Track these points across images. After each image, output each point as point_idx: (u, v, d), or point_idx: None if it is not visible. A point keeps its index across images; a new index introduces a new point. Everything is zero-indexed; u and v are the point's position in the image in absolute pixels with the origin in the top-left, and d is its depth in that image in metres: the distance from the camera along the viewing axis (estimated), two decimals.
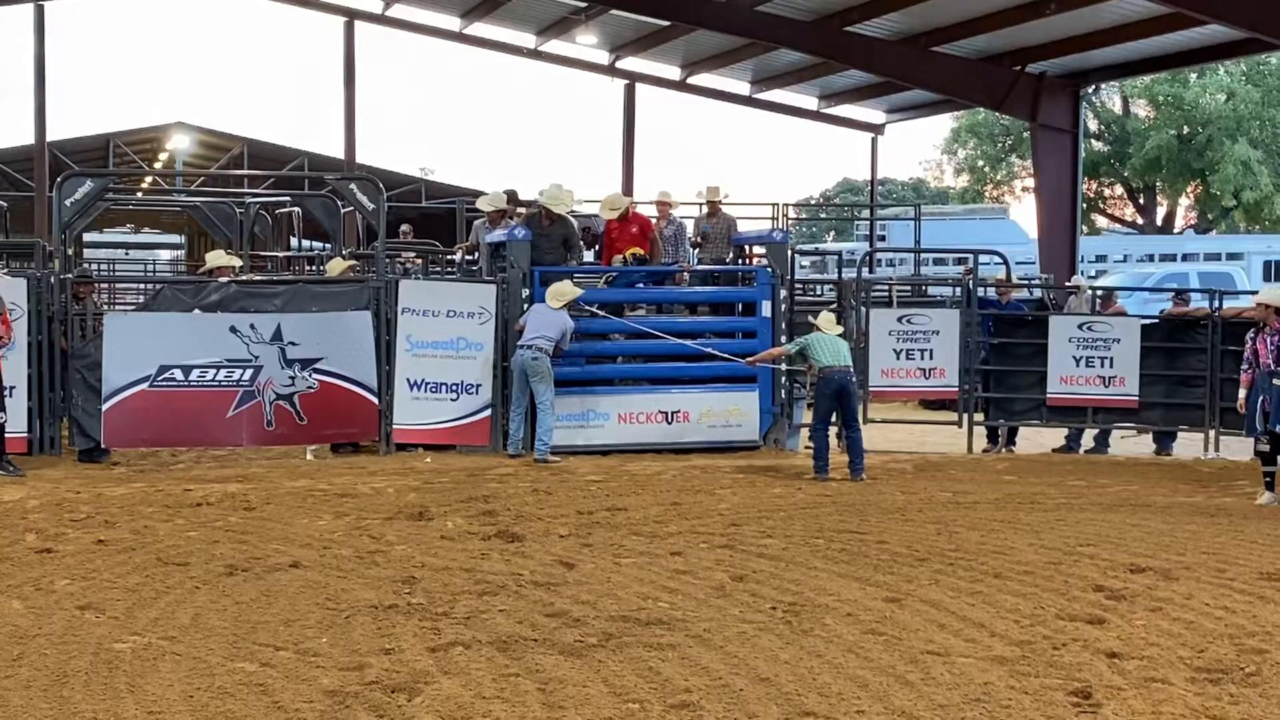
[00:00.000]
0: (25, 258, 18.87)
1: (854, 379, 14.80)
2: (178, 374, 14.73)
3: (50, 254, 16.00)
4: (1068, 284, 21.05)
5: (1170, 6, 22.51)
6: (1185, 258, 43.34)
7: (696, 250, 18.12)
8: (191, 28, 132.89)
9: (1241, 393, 13.58)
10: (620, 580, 9.13)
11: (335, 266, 17.06)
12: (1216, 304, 17.00)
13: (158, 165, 48.10)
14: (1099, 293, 19.40)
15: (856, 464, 14.48)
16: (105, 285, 28.67)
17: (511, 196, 17.92)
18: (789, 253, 17.58)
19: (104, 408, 14.60)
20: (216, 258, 17.06)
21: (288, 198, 24.48)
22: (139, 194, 36.37)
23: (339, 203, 18.42)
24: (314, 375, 15.05)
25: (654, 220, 17.54)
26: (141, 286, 30.54)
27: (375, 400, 15.34)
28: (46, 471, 13.92)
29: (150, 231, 54.64)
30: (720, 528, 11.20)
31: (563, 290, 15.40)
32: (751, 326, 16.60)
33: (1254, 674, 6.98)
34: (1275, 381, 13.11)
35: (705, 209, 18.42)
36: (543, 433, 15.17)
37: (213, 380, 14.82)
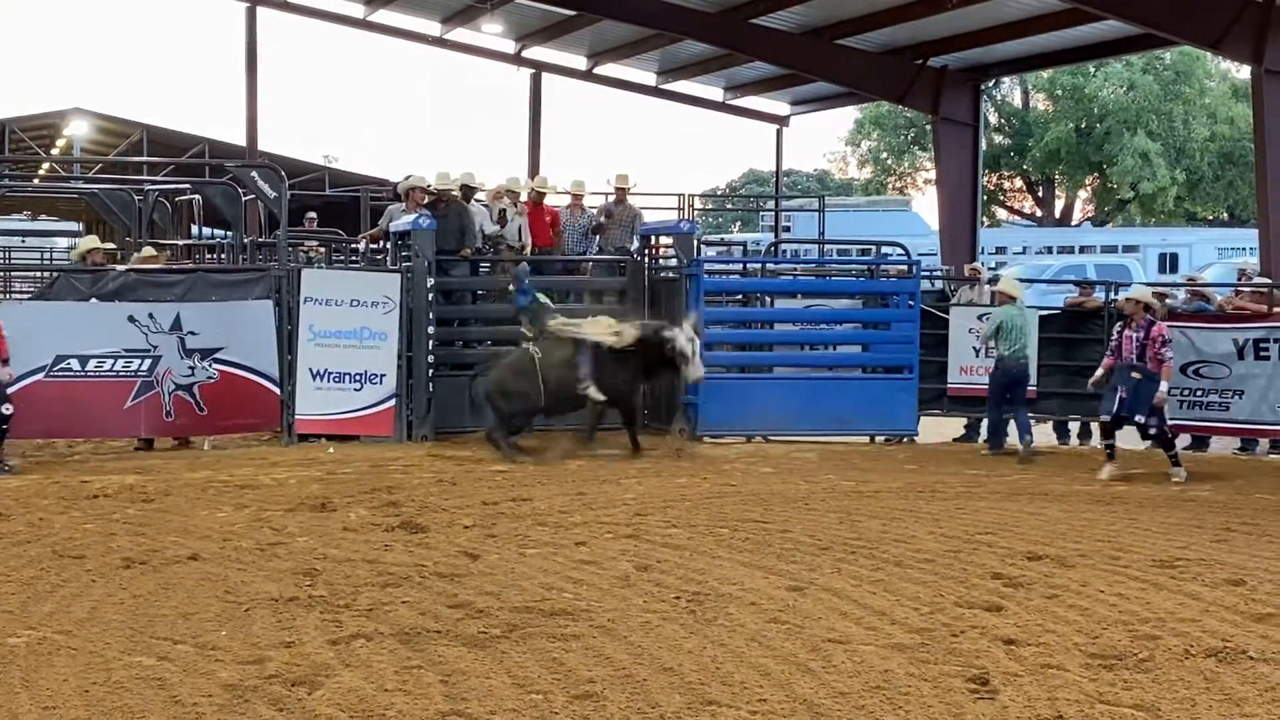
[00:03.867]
0: None
1: (1026, 368, 15.91)
2: (74, 364, 14.50)
3: None
4: (966, 271, 21.24)
5: (1068, 2, 22.80)
6: (1083, 250, 44.06)
7: (597, 235, 18.07)
8: (90, 11, 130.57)
9: (1099, 373, 14.39)
10: (525, 571, 9.12)
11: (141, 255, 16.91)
12: (1112, 296, 17.26)
13: (55, 151, 47.17)
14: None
15: (1025, 438, 15.40)
16: (0, 273, 28.14)
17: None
18: (695, 243, 17.65)
19: None
20: (89, 242, 16.94)
21: (188, 185, 24.13)
22: (35, 180, 35.72)
23: (240, 190, 18.19)
24: (214, 365, 14.88)
25: (563, 210, 17.67)
26: (37, 275, 30.01)
27: (277, 390, 15.20)
28: None
29: (47, 219, 53.52)
30: (625, 518, 11.21)
31: None
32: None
33: (1147, 660, 7.11)
34: (1134, 375, 13.93)
35: (614, 196, 18.40)
36: None
37: (110, 370, 14.60)
